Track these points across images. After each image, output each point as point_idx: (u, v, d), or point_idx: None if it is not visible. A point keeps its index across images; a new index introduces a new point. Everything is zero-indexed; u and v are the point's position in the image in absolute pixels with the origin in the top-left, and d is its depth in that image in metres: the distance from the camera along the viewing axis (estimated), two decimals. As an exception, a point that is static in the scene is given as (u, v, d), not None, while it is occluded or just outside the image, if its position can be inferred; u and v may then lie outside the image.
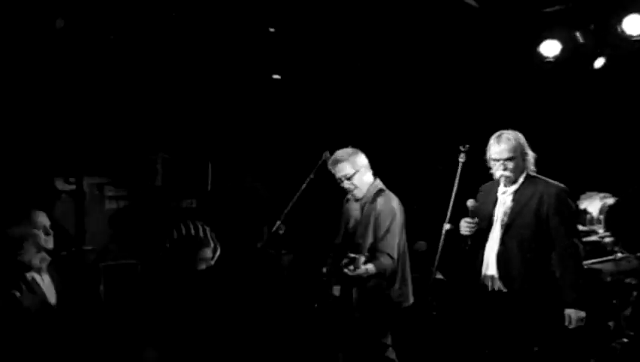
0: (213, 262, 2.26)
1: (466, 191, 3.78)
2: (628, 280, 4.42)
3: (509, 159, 3.65)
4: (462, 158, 3.82)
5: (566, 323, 3.56)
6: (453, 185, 3.77)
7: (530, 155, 3.73)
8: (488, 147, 3.75)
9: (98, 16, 4.70)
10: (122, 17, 4.78)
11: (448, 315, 4.96)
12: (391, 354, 3.96)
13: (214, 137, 5.91)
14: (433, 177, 5.12)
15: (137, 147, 5.34)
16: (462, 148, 3.81)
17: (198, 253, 2.23)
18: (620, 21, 4.93)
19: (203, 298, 2.25)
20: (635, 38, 4.90)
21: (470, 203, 3.70)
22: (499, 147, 3.67)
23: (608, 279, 4.46)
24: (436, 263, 3.77)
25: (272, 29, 5.12)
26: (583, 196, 4.77)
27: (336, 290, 3.86)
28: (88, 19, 4.70)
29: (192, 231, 2.22)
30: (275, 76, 5.86)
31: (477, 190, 3.90)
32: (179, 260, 2.21)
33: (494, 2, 5.07)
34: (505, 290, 3.70)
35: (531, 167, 3.74)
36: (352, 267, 3.54)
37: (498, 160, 3.67)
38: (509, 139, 3.67)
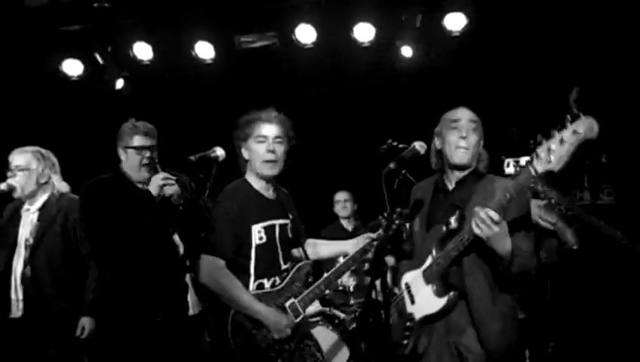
0: None
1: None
2: None
3: (22, 169, 3.71)
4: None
5: (78, 333, 3.63)
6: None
7: (55, 177, 3.81)
8: None
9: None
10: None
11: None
12: None
13: None
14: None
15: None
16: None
17: None
18: (130, 47, 5.32)
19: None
20: (144, 63, 5.36)
21: None
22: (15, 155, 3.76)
23: None
24: None
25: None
26: None
27: None
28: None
29: None
30: None
31: None
32: None
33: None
34: (28, 314, 3.61)
35: (58, 186, 3.80)
36: None
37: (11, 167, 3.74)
38: (26, 151, 3.77)
